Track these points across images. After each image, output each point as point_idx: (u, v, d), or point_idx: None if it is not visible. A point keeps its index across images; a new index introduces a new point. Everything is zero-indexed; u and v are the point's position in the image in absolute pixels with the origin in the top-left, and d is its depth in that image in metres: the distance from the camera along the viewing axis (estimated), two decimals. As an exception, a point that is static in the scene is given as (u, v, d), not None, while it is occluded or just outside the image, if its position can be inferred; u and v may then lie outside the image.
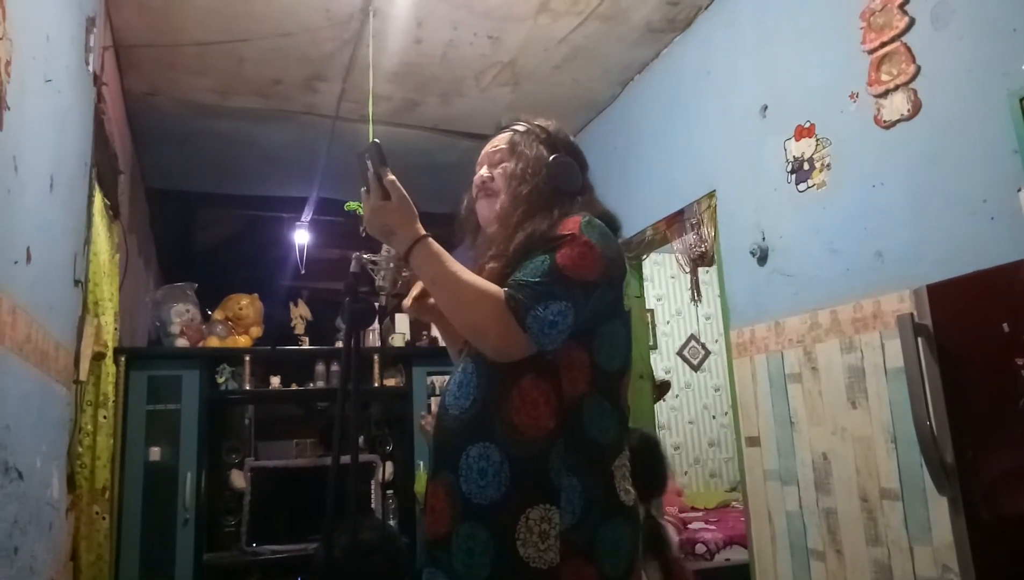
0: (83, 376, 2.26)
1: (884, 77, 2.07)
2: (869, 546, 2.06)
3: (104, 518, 2.68)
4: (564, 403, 1.25)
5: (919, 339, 1.50)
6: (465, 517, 1.24)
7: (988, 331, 1.37)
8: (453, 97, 3.58)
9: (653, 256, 4.97)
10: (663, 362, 5.90)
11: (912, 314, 1.53)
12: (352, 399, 1.36)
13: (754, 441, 2.57)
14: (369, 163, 1.28)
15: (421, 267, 1.28)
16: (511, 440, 1.23)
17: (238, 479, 3.54)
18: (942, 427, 1.47)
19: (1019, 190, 1.59)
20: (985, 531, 1.39)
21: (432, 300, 1.53)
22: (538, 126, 1.49)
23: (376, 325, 3.44)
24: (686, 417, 5.92)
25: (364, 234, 1.44)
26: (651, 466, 2.15)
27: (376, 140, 1.30)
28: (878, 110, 2.09)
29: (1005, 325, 1.34)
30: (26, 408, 1.66)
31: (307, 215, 4.92)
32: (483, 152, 1.50)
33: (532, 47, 3.15)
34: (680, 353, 6.07)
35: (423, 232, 1.29)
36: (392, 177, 1.29)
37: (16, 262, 1.55)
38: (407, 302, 1.55)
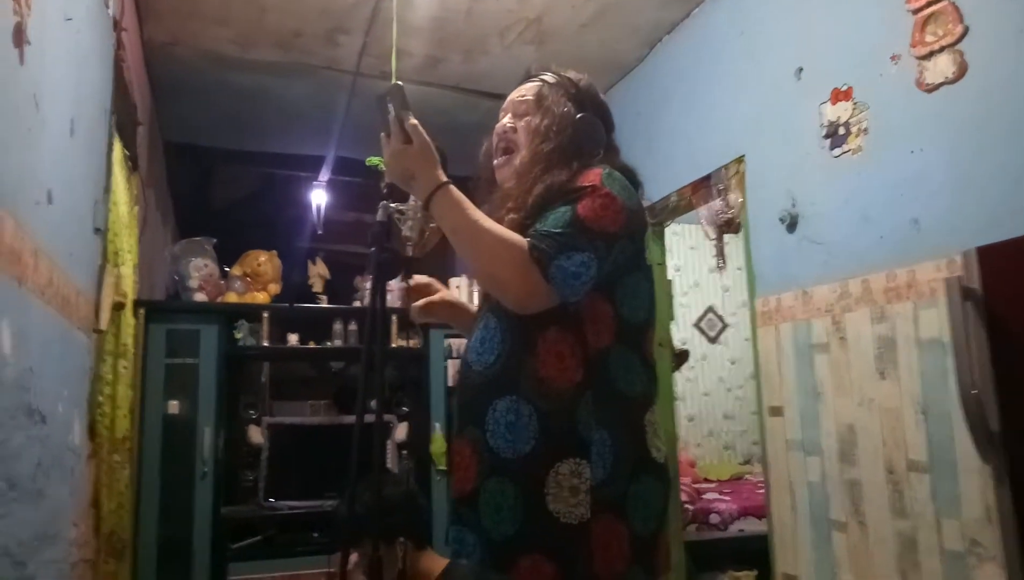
0: (103, 325, 2.25)
1: (929, 38, 1.99)
2: (894, 518, 2.04)
3: (125, 467, 2.70)
4: (589, 355, 1.23)
5: (967, 304, 1.45)
6: (493, 472, 1.22)
7: (1042, 295, 1.33)
8: (476, 55, 3.51)
9: (672, 226, 4.91)
10: (680, 333, 5.85)
11: (960, 277, 1.48)
12: (378, 350, 1.34)
13: (777, 411, 2.54)
14: (391, 106, 1.25)
15: (442, 214, 1.25)
16: (538, 393, 1.21)
17: (255, 434, 3.56)
18: (987, 395, 1.43)
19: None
20: (1030, 500, 1.36)
21: (436, 296, 1.53)
22: (568, 79, 1.44)
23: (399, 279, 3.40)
24: (701, 389, 5.89)
25: (385, 191, 1.41)
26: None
27: (399, 82, 1.27)
28: (920, 73, 2.02)
29: (1060, 290, 1.29)
30: (48, 352, 1.65)
31: (325, 174, 4.88)
32: (508, 99, 1.46)
33: (559, 4, 3.07)
34: (697, 325, 6.02)
35: (444, 178, 1.26)
36: (414, 121, 1.25)
37: (38, 203, 1.53)
38: (413, 311, 1.53)
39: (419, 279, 1.54)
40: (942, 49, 1.96)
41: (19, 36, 1.30)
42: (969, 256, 1.50)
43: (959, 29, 1.91)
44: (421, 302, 1.53)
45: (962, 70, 1.90)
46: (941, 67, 1.96)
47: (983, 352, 1.43)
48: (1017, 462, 1.38)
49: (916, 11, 2.03)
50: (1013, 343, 1.40)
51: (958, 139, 1.91)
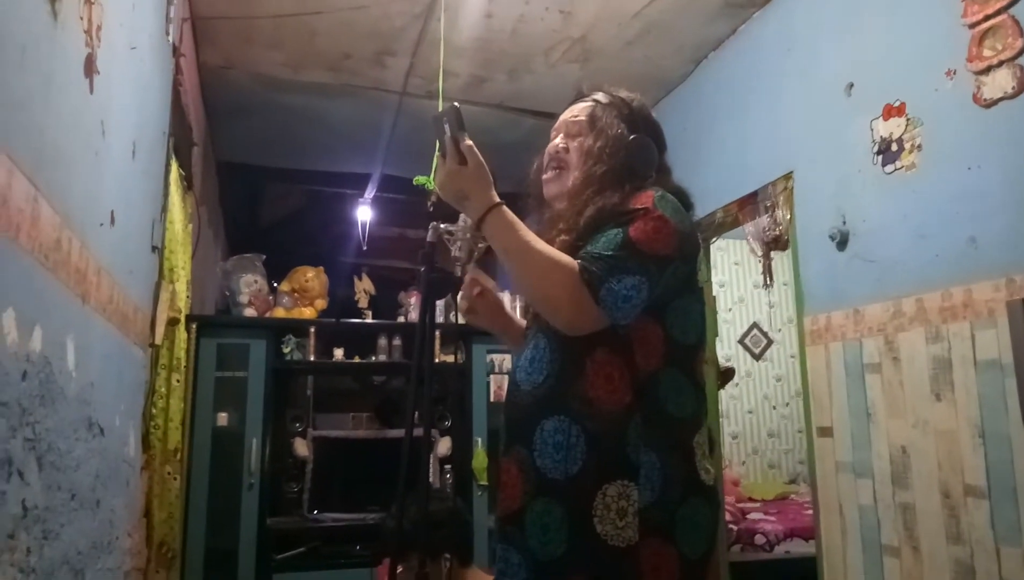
0: (158, 340, 2.32)
1: (987, 52, 1.95)
2: (950, 544, 1.97)
3: (176, 478, 2.76)
4: (639, 378, 1.22)
5: (1028, 326, 1.41)
6: (539, 493, 1.22)
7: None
8: (521, 73, 3.54)
9: (717, 242, 4.86)
10: (724, 350, 5.78)
11: (1022, 300, 1.44)
12: (427, 369, 1.35)
13: (826, 431, 2.49)
14: (447, 126, 1.26)
15: (494, 235, 1.25)
16: (587, 414, 1.21)
17: (301, 447, 3.61)
18: (1051, 420, 1.38)
19: None
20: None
21: (491, 285, 1.49)
22: (621, 99, 1.43)
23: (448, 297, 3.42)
24: (745, 406, 5.80)
25: (431, 209, 1.42)
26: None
27: (455, 103, 1.28)
28: (978, 88, 1.97)
29: None
30: (108, 368, 1.71)
31: (370, 192, 4.96)
32: (561, 118, 1.46)
33: (604, 22, 3.08)
34: (741, 341, 5.94)
35: (497, 199, 1.26)
36: (469, 142, 1.26)
37: (102, 224, 1.58)
38: (463, 304, 1.49)
39: (479, 273, 1.50)
40: (1000, 64, 1.91)
41: (90, 66, 1.36)
42: (1031, 277, 1.46)
43: (1019, 43, 1.86)
44: (476, 290, 1.47)
45: (1022, 85, 1.86)
46: (1000, 82, 1.91)
47: (1047, 377, 1.39)
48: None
49: (973, 25, 1.99)
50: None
51: (1017, 156, 1.86)
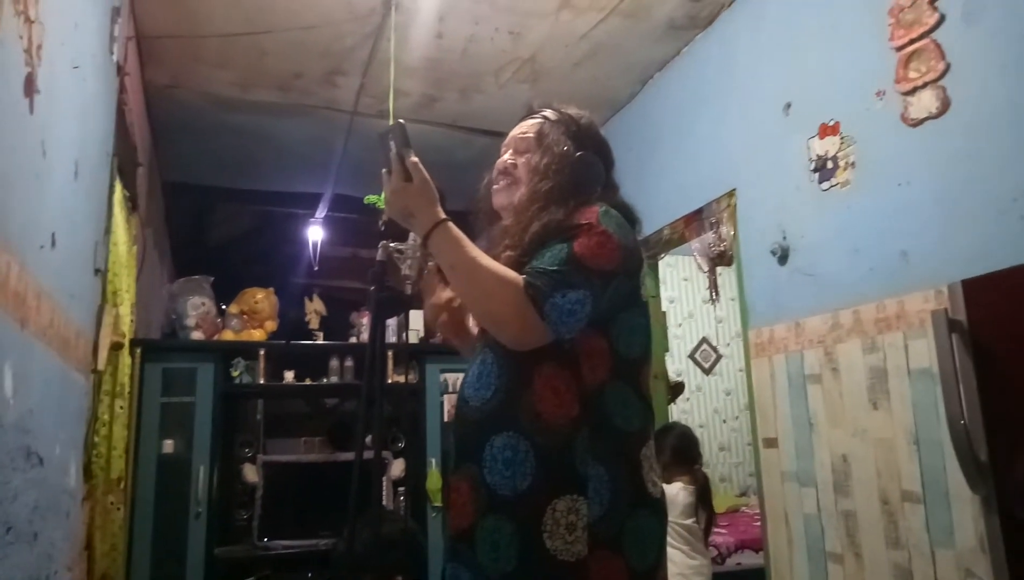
0: (101, 365, 2.26)
1: (912, 74, 2.05)
2: (889, 549, 2.04)
3: (119, 508, 2.68)
4: (586, 391, 1.24)
5: (953, 335, 1.48)
6: (490, 510, 1.22)
7: (1026, 327, 1.36)
8: (472, 93, 3.57)
9: (667, 258, 4.94)
10: (674, 365, 5.87)
11: (946, 309, 1.51)
12: (378, 390, 1.35)
13: (771, 442, 2.55)
14: (392, 144, 1.27)
15: (440, 251, 1.27)
16: (535, 428, 1.22)
17: (250, 473, 3.54)
18: (975, 424, 1.45)
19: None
20: (1019, 528, 1.37)
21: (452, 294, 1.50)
22: (569, 117, 1.46)
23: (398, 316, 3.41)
24: (697, 420, 5.89)
25: (383, 228, 1.43)
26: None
27: (401, 120, 1.29)
28: (905, 108, 2.07)
29: (1044, 321, 1.32)
30: (48, 394, 1.66)
31: (322, 211, 4.93)
32: (510, 135, 1.48)
33: (553, 43, 3.14)
34: (691, 356, 6.04)
35: (443, 216, 1.27)
36: (415, 159, 1.27)
37: (42, 247, 1.55)
38: (429, 316, 1.53)
39: (444, 294, 1.52)
40: (925, 85, 2.01)
41: (30, 86, 1.34)
42: (955, 289, 1.53)
43: (941, 66, 1.96)
44: (441, 317, 1.51)
45: (945, 105, 1.96)
46: (925, 102, 2.01)
47: (970, 383, 1.46)
48: (1004, 491, 1.39)
49: (900, 48, 2.09)
50: (999, 373, 1.43)
51: (944, 172, 1.96)
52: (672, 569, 2.74)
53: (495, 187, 1.46)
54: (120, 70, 2.43)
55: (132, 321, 2.97)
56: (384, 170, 1.30)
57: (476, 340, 1.51)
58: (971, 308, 1.47)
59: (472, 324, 1.53)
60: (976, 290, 1.48)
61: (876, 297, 2.13)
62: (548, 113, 1.46)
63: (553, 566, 1.17)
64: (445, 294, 1.50)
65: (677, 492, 2.93)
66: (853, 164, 2.25)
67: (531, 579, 1.18)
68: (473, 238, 1.31)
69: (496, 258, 1.28)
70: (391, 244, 1.38)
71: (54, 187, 1.63)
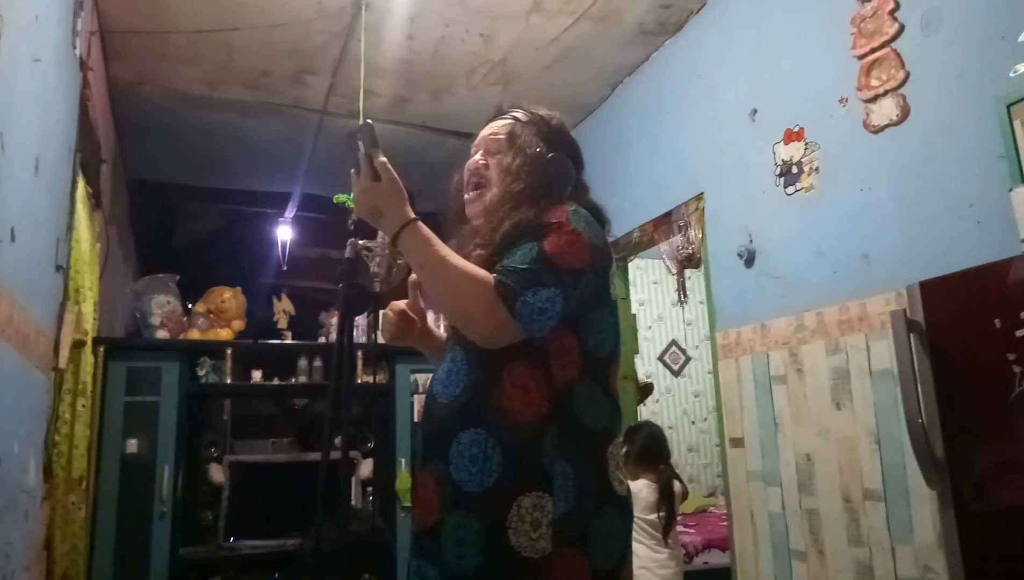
0: (62, 363, 2.22)
1: (874, 82, 2.10)
2: (851, 546, 2.08)
3: (80, 508, 2.63)
4: (555, 388, 1.24)
5: (911, 335, 1.51)
6: (456, 506, 1.22)
7: (980, 327, 1.39)
8: (443, 95, 3.57)
9: (637, 261, 4.97)
10: (644, 367, 5.91)
11: (905, 310, 1.55)
12: (345, 388, 1.34)
13: (738, 442, 2.58)
14: (360, 144, 1.26)
15: (409, 250, 1.26)
16: (503, 425, 1.22)
17: (216, 473, 3.49)
18: (932, 422, 1.49)
19: (1011, 190, 1.61)
20: (973, 523, 1.41)
21: (424, 292, 1.51)
22: (540, 117, 1.46)
23: (366, 315, 3.40)
24: (666, 422, 5.92)
25: (352, 228, 1.42)
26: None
27: (369, 120, 1.29)
28: (867, 115, 2.12)
29: (997, 321, 1.36)
30: (5, 392, 1.63)
31: (291, 211, 4.88)
32: (480, 135, 1.47)
33: (524, 46, 3.16)
34: (661, 358, 6.09)
35: (412, 215, 1.26)
36: (383, 159, 1.26)
37: (0, 241, 1.52)
38: (385, 328, 1.53)
39: (397, 305, 1.53)
40: (886, 93, 2.06)
41: (-13, 77, 1.31)
42: (913, 290, 1.57)
43: (901, 74, 2.01)
44: (398, 307, 1.51)
45: (905, 112, 2.01)
46: (886, 110, 2.06)
47: (927, 382, 1.49)
48: (960, 487, 1.43)
49: (861, 57, 2.14)
50: (955, 373, 1.47)
51: (903, 178, 2.01)
52: (636, 563, 2.78)
53: (467, 197, 1.45)
54: (83, 65, 2.39)
55: (95, 319, 2.92)
56: (352, 170, 1.29)
57: (438, 344, 1.52)
58: (928, 309, 1.51)
59: (435, 322, 1.53)
60: (933, 291, 1.52)
61: (839, 299, 2.17)
62: (519, 114, 1.46)
63: (517, 563, 1.17)
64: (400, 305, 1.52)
65: (641, 488, 2.97)
66: (817, 169, 2.30)
67: (495, 576, 1.18)
68: (444, 239, 1.31)
69: (467, 257, 1.27)
70: (360, 241, 1.37)
71: (14, 182, 1.60)
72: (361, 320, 3.30)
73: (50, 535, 2.26)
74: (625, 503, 1.30)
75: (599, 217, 1.39)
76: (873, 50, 2.09)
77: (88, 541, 2.88)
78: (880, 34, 2.07)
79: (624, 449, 3.15)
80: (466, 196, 1.45)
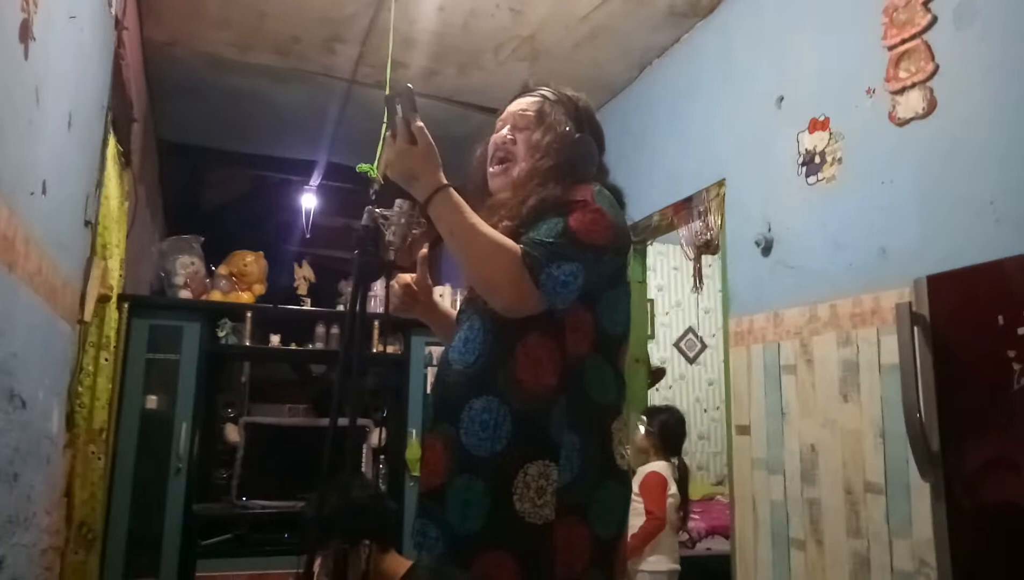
0: (88, 317, 2.28)
1: (902, 74, 2.07)
2: (850, 538, 2.10)
3: (100, 459, 2.72)
4: (568, 362, 1.28)
5: (915, 329, 1.52)
6: (463, 469, 1.26)
7: (983, 323, 1.40)
8: (471, 69, 3.58)
9: (657, 246, 4.95)
10: (659, 353, 5.93)
11: (910, 303, 1.56)
12: (356, 353, 1.38)
13: (744, 430, 2.60)
14: (399, 107, 1.28)
15: (440, 216, 1.28)
16: (515, 394, 1.26)
17: (232, 433, 3.58)
18: (931, 415, 1.50)
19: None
20: (965, 517, 1.43)
21: (436, 257, 1.55)
22: (568, 97, 1.48)
23: (381, 282, 3.44)
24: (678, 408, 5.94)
25: (373, 197, 1.45)
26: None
27: (409, 85, 1.31)
28: (893, 107, 2.10)
29: (1000, 318, 1.36)
30: (32, 340, 1.69)
31: (316, 179, 4.93)
32: (508, 110, 1.49)
33: (553, 23, 3.15)
34: (677, 345, 6.09)
35: (445, 181, 1.29)
36: (420, 124, 1.28)
37: (32, 193, 1.57)
38: (394, 300, 1.56)
39: (403, 278, 1.57)
40: (914, 85, 2.04)
41: (25, 32, 1.35)
42: (920, 284, 1.57)
43: (930, 67, 1.99)
44: (403, 280, 1.55)
45: (931, 106, 1.99)
46: (912, 102, 2.04)
47: (928, 375, 1.50)
48: (952, 481, 1.45)
49: (891, 47, 2.11)
50: (955, 367, 1.47)
51: (925, 173, 1.99)
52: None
53: (491, 170, 1.47)
54: (118, 24, 2.43)
55: (121, 276, 2.99)
56: (388, 132, 1.31)
57: (441, 320, 1.57)
58: (934, 303, 1.51)
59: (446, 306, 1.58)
60: (940, 286, 1.52)
61: (853, 292, 2.17)
62: (547, 92, 1.48)
63: (520, 527, 1.21)
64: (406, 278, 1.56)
65: (663, 469, 3.08)
66: (840, 160, 2.29)
67: (497, 539, 1.22)
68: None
69: (492, 228, 1.30)
70: (376, 209, 1.40)
71: (47, 135, 1.64)
72: (379, 290, 3.33)
73: (70, 483, 2.33)
74: (626, 477, 1.34)
75: (619, 200, 1.42)
76: (904, 41, 2.07)
77: (106, 491, 2.97)
78: (912, 25, 2.04)
79: (643, 430, 3.23)
80: (490, 169, 1.48)
